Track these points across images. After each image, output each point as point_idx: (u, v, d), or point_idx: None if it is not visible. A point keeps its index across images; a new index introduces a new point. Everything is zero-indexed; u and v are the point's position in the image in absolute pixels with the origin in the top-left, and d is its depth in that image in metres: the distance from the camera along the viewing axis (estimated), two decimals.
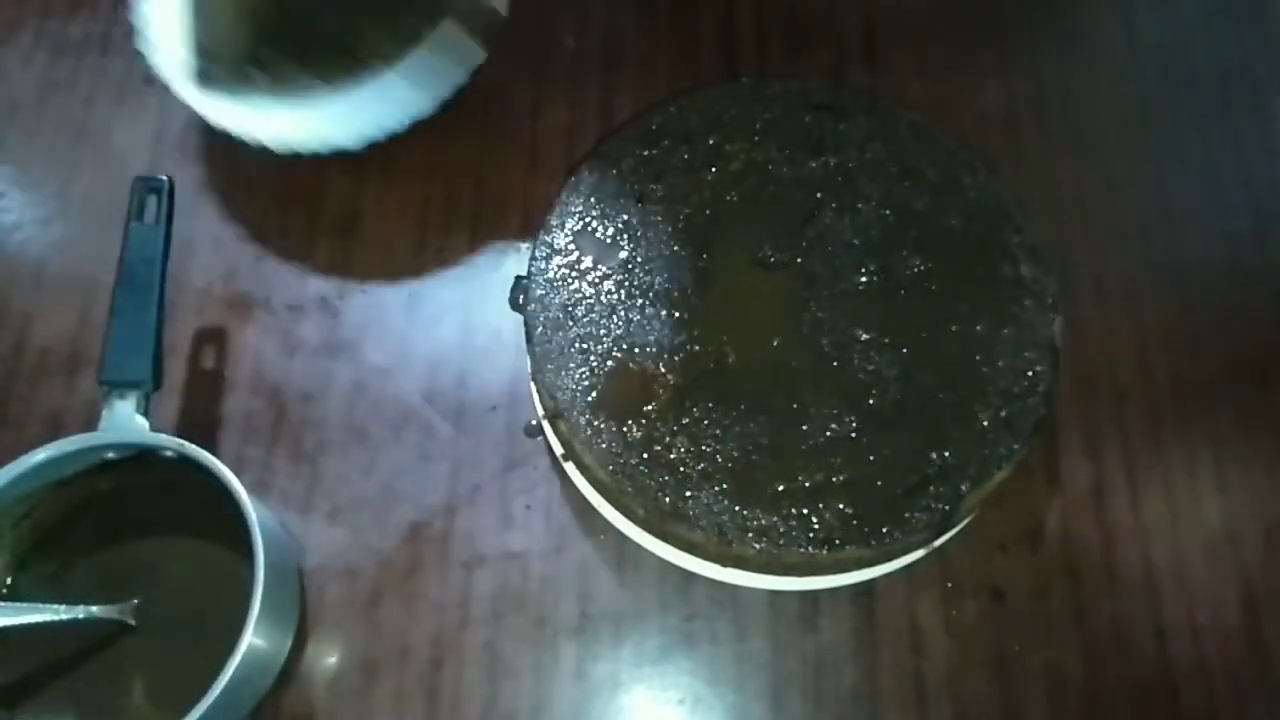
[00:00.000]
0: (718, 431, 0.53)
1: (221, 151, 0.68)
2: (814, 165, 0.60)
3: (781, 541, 0.52)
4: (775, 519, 0.52)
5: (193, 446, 0.52)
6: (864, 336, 0.55)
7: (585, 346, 0.56)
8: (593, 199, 0.60)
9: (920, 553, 0.56)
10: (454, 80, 0.65)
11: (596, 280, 0.57)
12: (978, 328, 0.56)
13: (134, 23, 0.63)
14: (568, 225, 0.59)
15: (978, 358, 0.55)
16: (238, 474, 0.52)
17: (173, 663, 0.55)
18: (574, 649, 0.58)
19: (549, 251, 0.59)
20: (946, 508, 0.52)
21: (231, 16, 0.62)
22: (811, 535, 0.52)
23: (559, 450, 0.58)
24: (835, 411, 0.54)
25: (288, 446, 0.62)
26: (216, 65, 0.62)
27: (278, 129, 0.62)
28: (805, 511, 0.52)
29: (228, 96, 0.62)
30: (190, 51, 0.63)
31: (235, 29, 0.62)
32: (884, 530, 0.52)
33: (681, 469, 0.53)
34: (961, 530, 0.57)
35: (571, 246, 0.58)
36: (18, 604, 0.55)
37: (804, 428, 0.54)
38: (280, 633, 0.56)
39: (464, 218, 0.68)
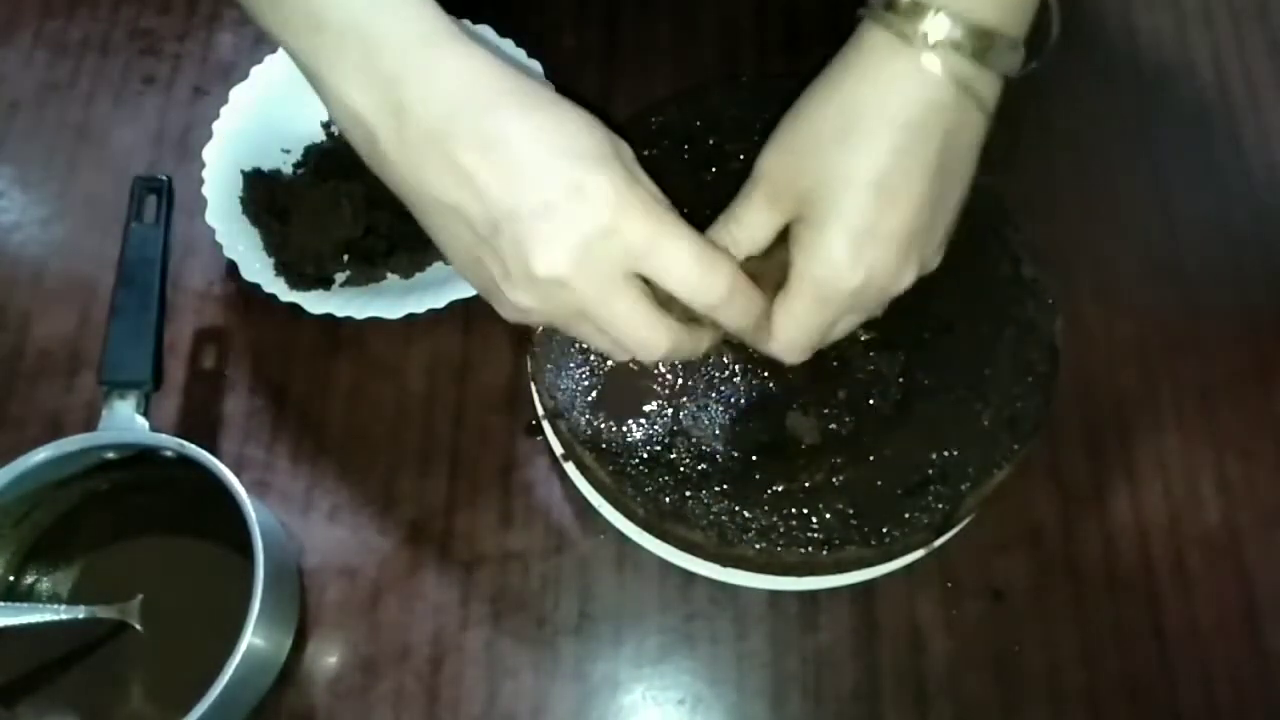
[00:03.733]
0: (717, 431, 0.53)
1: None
2: None
3: (781, 541, 0.51)
4: (775, 519, 0.52)
5: (192, 446, 0.52)
6: (864, 336, 0.55)
7: (585, 346, 0.56)
8: None
9: (920, 553, 0.56)
10: None
11: None
12: (978, 327, 0.56)
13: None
14: None
15: (978, 358, 0.55)
16: (238, 474, 0.52)
17: (173, 663, 0.55)
18: (574, 649, 0.58)
19: None
20: (946, 508, 0.52)
21: (325, 245, 0.63)
22: (811, 535, 0.52)
23: (559, 450, 0.58)
24: (835, 411, 0.54)
25: (287, 446, 0.62)
26: (297, 275, 0.63)
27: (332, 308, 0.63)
28: (805, 511, 0.52)
29: (306, 291, 0.63)
30: (274, 261, 0.63)
31: (326, 251, 0.63)
32: (884, 530, 0.52)
33: (681, 469, 0.53)
34: (961, 530, 0.57)
35: None
36: (18, 604, 0.55)
37: (804, 428, 0.53)
38: (280, 632, 0.56)
39: None
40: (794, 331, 0.45)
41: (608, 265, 0.41)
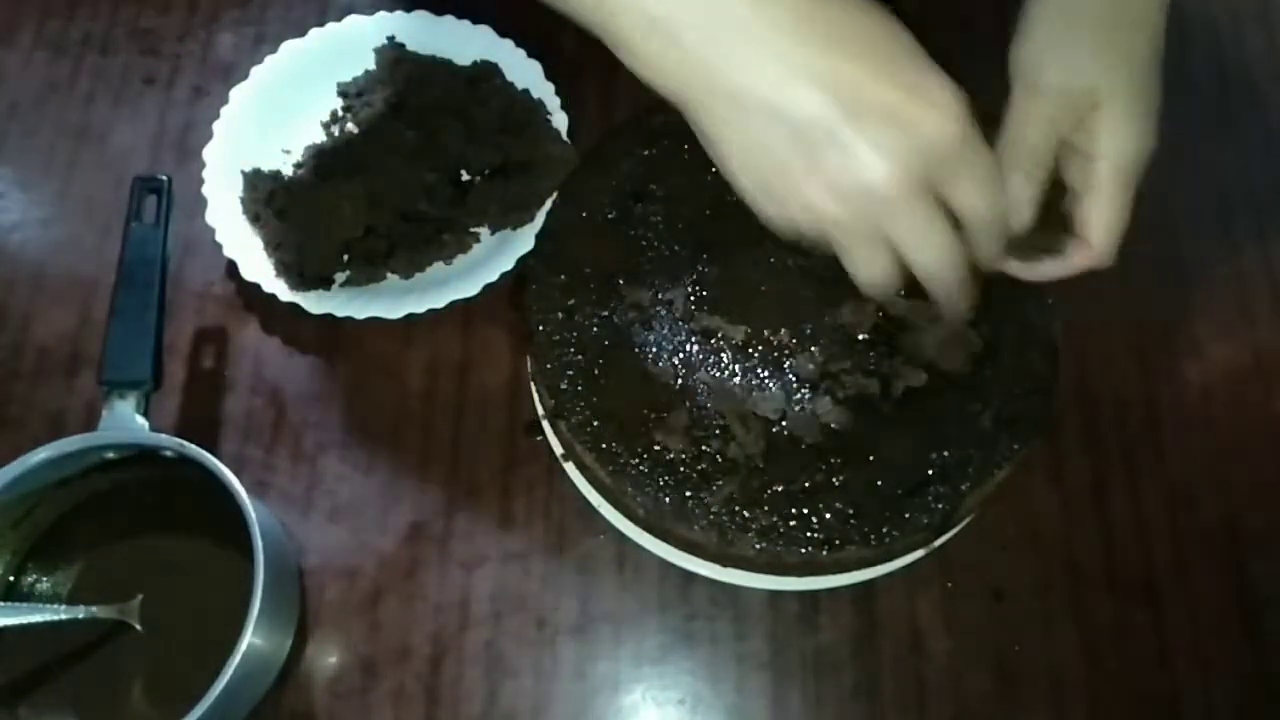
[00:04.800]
0: (718, 431, 0.53)
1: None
2: None
3: (782, 541, 0.51)
4: (775, 519, 0.52)
5: (192, 446, 0.52)
6: (864, 336, 0.55)
7: (585, 346, 0.56)
8: (593, 199, 0.60)
9: (920, 552, 0.56)
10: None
11: (597, 280, 0.57)
12: (978, 327, 0.56)
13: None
14: (568, 224, 0.59)
15: (978, 358, 0.55)
16: (237, 474, 0.52)
17: (173, 663, 0.55)
18: (574, 649, 0.58)
19: (549, 250, 0.59)
20: (947, 508, 0.52)
21: (325, 245, 0.63)
22: (812, 535, 0.52)
23: (559, 450, 0.58)
24: (835, 411, 0.54)
25: (287, 446, 0.62)
26: (297, 275, 0.62)
27: (335, 307, 0.63)
28: (805, 511, 0.52)
29: (306, 291, 0.63)
30: (274, 261, 0.63)
31: (326, 251, 0.63)
32: (884, 530, 0.52)
33: (681, 469, 0.53)
34: (962, 530, 0.57)
35: (572, 246, 0.58)
36: (18, 604, 0.55)
37: (804, 428, 0.53)
38: (280, 633, 0.56)
39: None
40: (1116, 224, 0.47)
41: (927, 175, 0.39)
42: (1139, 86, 0.46)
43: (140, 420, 0.55)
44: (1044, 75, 0.47)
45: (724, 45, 0.39)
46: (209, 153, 0.66)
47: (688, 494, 0.52)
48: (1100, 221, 0.47)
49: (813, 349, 0.55)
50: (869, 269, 0.42)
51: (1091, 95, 0.46)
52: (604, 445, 0.54)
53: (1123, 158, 0.46)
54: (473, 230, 0.66)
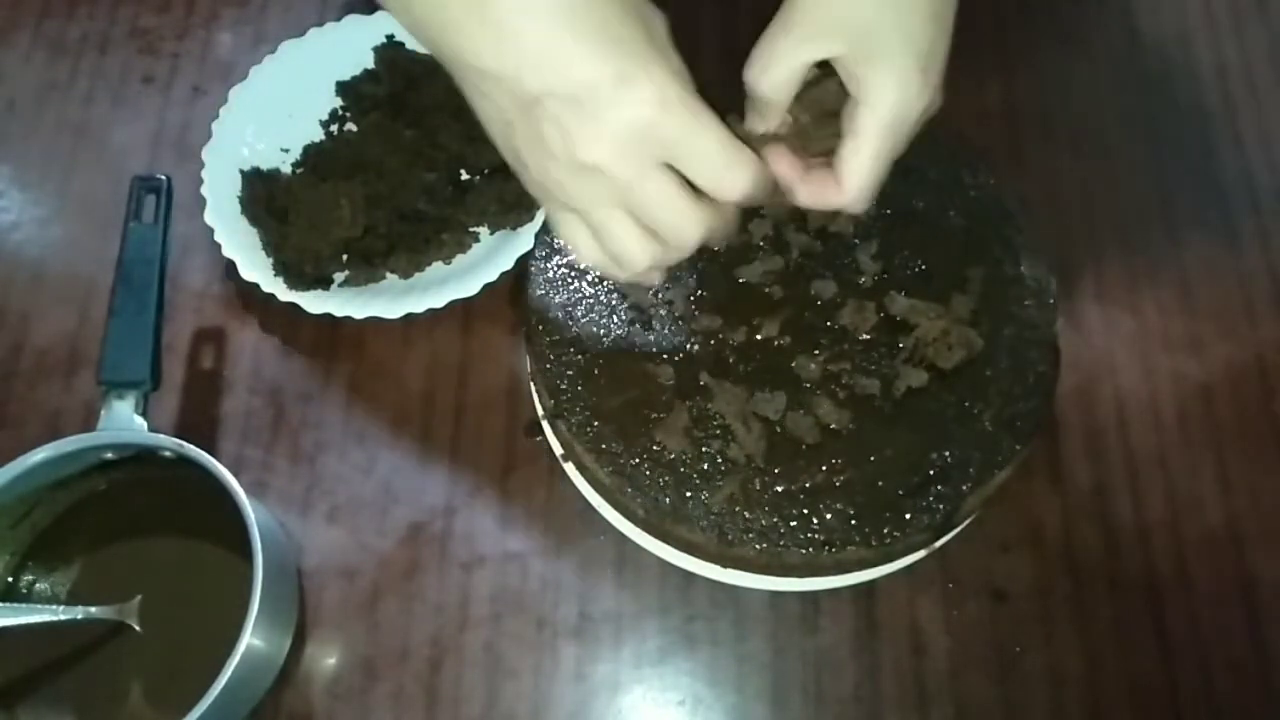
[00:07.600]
0: (718, 431, 0.53)
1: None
2: None
3: (782, 542, 0.51)
4: (776, 519, 0.52)
5: (191, 447, 0.52)
6: (864, 336, 0.55)
7: (585, 346, 0.56)
8: None
9: (921, 553, 0.56)
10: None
11: (596, 280, 0.57)
12: (978, 327, 0.56)
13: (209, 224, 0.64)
14: None
15: (978, 357, 0.55)
16: (236, 474, 0.52)
17: (172, 663, 0.55)
18: (574, 650, 0.58)
19: (549, 251, 0.59)
20: (947, 508, 0.52)
21: (324, 244, 0.62)
22: (812, 536, 0.51)
23: (559, 450, 0.58)
24: (835, 411, 0.54)
25: (286, 446, 0.62)
26: (296, 275, 0.62)
27: (332, 307, 0.63)
28: (806, 512, 0.52)
29: (304, 291, 0.63)
30: (273, 261, 0.63)
31: (325, 251, 0.63)
32: (885, 531, 0.52)
33: (681, 469, 0.53)
34: (962, 530, 0.57)
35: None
36: (18, 604, 0.55)
37: (804, 428, 0.53)
38: (279, 633, 0.56)
39: None
40: (869, 174, 0.45)
41: (645, 154, 0.41)
42: (920, 36, 0.44)
43: (139, 420, 0.55)
44: (798, 2, 0.45)
45: (445, 5, 0.40)
46: (208, 152, 0.65)
47: (688, 494, 0.52)
48: (852, 168, 0.45)
49: (813, 349, 0.55)
50: (620, 246, 0.44)
51: (847, 37, 0.44)
52: (604, 445, 0.53)
53: (883, 109, 0.44)
54: (472, 230, 0.65)
